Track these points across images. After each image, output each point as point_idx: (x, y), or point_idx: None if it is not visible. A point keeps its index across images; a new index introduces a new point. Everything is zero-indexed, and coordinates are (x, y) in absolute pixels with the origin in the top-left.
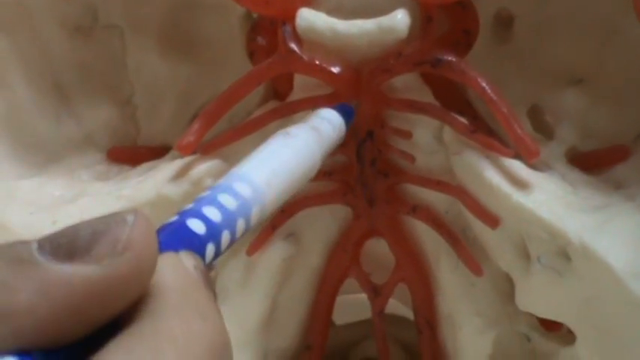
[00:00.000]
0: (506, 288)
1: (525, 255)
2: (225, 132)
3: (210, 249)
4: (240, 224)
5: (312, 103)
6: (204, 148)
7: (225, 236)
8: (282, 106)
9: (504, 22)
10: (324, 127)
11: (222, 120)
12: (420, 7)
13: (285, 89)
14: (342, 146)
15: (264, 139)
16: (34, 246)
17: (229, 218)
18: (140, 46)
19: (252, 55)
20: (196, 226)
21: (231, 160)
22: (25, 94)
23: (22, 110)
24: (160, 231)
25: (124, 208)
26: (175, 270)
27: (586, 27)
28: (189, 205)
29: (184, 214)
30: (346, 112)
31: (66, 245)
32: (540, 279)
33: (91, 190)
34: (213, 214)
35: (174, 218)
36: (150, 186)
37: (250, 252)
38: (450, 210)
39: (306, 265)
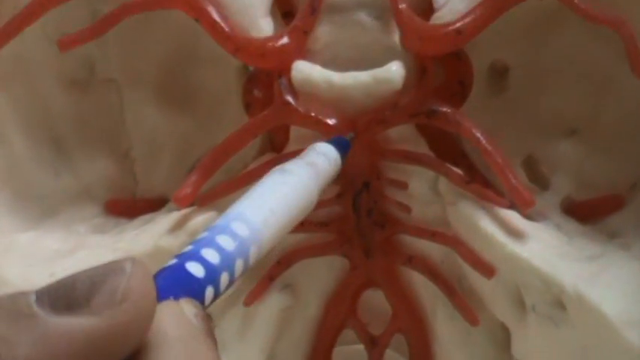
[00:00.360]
0: (502, 337)
1: (521, 304)
2: (222, 184)
3: (209, 292)
4: (239, 265)
5: None
6: (201, 200)
7: (224, 278)
8: (279, 158)
9: (499, 73)
10: (320, 161)
11: (219, 172)
12: (414, 58)
13: (281, 141)
14: (338, 197)
15: None
16: (33, 298)
17: (228, 259)
18: (137, 99)
19: (248, 107)
20: (195, 269)
21: None
22: (23, 148)
23: (20, 164)
24: (159, 275)
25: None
26: (176, 319)
27: (581, 78)
28: (188, 248)
29: (183, 257)
30: (342, 145)
31: (64, 297)
32: (536, 328)
33: (89, 243)
34: (211, 256)
35: (173, 261)
36: (147, 238)
37: (248, 303)
38: (446, 260)
39: (304, 316)
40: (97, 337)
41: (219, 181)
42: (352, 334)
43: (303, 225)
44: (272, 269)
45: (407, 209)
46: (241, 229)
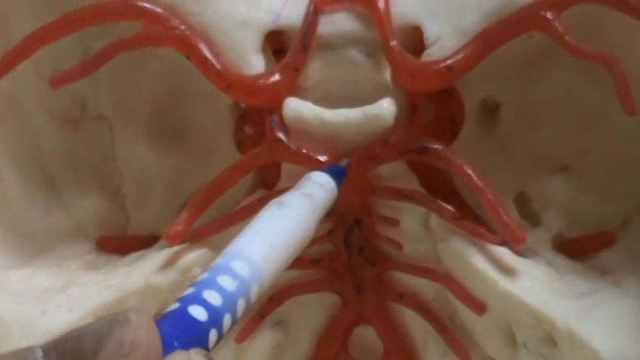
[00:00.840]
0: None
1: (512, 341)
2: (214, 221)
3: (212, 335)
4: (241, 305)
5: None
6: (192, 237)
7: (227, 319)
8: (270, 195)
9: (490, 110)
10: (316, 192)
11: (211, 209)
12: (406, 95)
13: (273, 178)
14: (329, 234)
15: None
16: (40, 354)
17: (230, 300)
18: (129, 137)
19: (239, 144)
20: (198, 312)
21: (220, 249)
22: (14, 185)
23: (11, 201)
24: (162, 320)
25: (115, 299)
26: None
27: (571, 114)
28: (190, 290)
29: (185, 301)
30: (337, 173)
31: (72, 351)
32: None
33: (80, 280)
34: (213, 298)
35: (175, 305)
36: (138, 275)
37: (239, 340)
38: (437, 297)
39: (295, 353)
40: None
41: (211, 218)
42: None
43: (294, 262)
44: (264, 306)
45: (398, 246)
46: (242, 268)
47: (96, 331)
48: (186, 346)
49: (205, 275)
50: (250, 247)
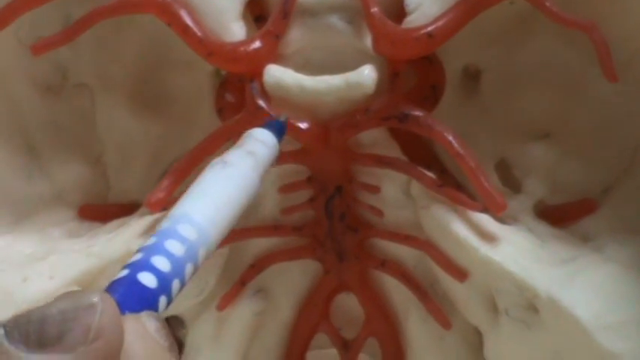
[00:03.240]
0: (475, 341)
1: (493, 308)
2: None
3: (162, 301)
4: (189, 269)
5: (281, 159)
6: (173, 205)
7: (176, 284)
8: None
9: (472, 77)
10: (258, 149)
11: (192, 176)
12: (386, 62)
13: None
14: (311, 201)
15: None
16: (1, 332)
17: (178, 265)
18: (110, 104)
19: (220, 111)
20: (148, 279)
21: None
22: None
23: None
24: (111, 288)
25: (97, 266)
26: (140, 337)
27: (553, 81)
28: (138, 256)
29: (134, 267)
30: (278, 129)
31: (36, 333)
32: (509, 332)
33: (62, 247)
34: (162, 264)
35: (125, 272)
36: (120, 243)
37: (221, 307)
38: (419, 264)
39: (277, 320)
40: None
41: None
42: (325, 338)
43: (276, 229)
44: (245, 274)
45: (379, 213)
46: (189, 232)
47: (60, 314)
48: (136, 312)
49: (153, 240)
50: (197, 209)
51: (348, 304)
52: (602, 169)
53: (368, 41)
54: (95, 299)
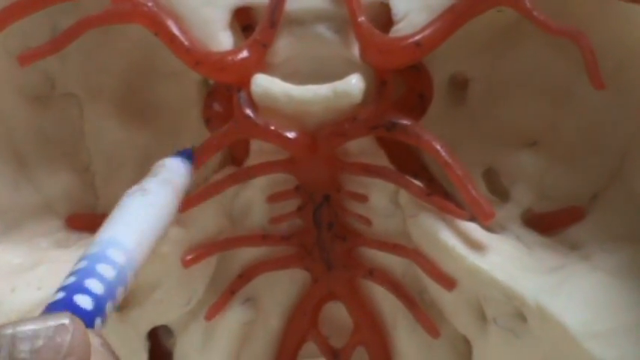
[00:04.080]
0: (464, 350)
1: (482, 316)
2: (183, 198)
3: (98, 322)
4: (120, 292)
5: (269, 168)
6: None
7: (109, 306)
8: (239, 172)
9: (459, 85)
10: (173, 177)
11: None
12: (374, 71)
13: (241, 155)
14: (299, 210)
15: (220, 205)
16: None
17: (110, 288)
18: (98, 114)
19: (208, 121)
20: (84, 301)
21: (189, 226)
22: None
23: None
24: (48, 310)
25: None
26: (94, 352)
27: (540, 89)
28: (71, 279)
29: (70, 290)
30: (187, 156)
31: (7, 353)
32: (497, 340)
33: (50, 257)
34: (96, 286)
35: (61, 295)
36: None
37: (209, 317)
38: (407, 273)
39: (265, 330)
40: None
41: None
42: (314, 347)
43: (264, 238)
44: (233, 283)
45: (367, 222)
46: (118, 256)
47: (32, 333)
48: None
49: (84, 264)
50: (123, 234)
51: (337, 313)
52: (590, 176)
53: (355, 50)
54: (66, 320)
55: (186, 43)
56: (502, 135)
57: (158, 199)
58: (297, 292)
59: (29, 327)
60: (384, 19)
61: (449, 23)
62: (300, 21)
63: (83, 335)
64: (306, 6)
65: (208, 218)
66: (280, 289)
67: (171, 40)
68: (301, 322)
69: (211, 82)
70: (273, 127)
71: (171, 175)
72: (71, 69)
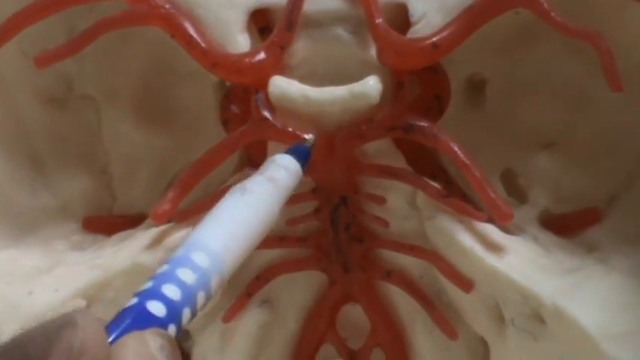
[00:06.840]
0: (482, 351)
1: (500, 318)
2: (201, 200)
3: (171, 329)
4: (201, 297)
5: None
6: (179, 217)
7: (186, 313)
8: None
9: (476, 87)
10: (280, 176)
11: (197, 188)
12: (391, 72)
13: (259, 156)
14: (316, 212)
15: None
16: None
17: (189, 294)
18: (115, 116)
19: (225, 123)
20: (156, 308)
21: None
22: (0, 166)
23: None
24: (121, 317)
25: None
26: (137, 354)
27: (558, 91)
28: (149, 284)
29: (144, 296)
30: (302, 154)
31: (20, 356)
32: (515, 342)
33: (67, 260)
34: (172, 292)
35: (134, 301)
36: (125, 255)
37: (226, 319)
38: (425, 274)
39: (283, 332)
40: None
41: (198, 198)
42: (332, 349)
43: (281, 240)
44: (250, 285)
45: (385, 224)
46: (202, 260)
47: (43, 335)
48: None
49: (165, 268)
50: (211, 237)
51: (354, 315)
52: (607, 178)
53: (372, 52)
54: (75, 317)
55: (203, 44)
56: (519, 137)
57: (257, 199)
58: (315, 294)
59: (41, 329)
60: (401, 21)
61: (466, 25)
62: (317, 23)
63: (96, 332)
64: (323, 8)
65: None
66: (297, 291)
67: (188, 42)
68: (319, 324)
69: (228, 83)
70: (290, 129)
71: (278, 173)
72: (88, 71)
